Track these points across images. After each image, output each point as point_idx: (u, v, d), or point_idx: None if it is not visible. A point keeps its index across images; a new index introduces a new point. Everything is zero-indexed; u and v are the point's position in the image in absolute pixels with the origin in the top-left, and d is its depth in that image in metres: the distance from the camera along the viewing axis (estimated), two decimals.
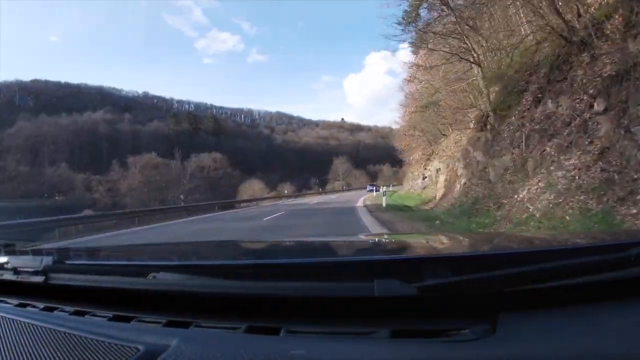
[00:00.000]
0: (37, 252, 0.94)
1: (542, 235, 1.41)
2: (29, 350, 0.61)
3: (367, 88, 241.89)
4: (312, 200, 30.28)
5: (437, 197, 13.69)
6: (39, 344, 0.62)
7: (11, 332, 0.68)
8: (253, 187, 52.21)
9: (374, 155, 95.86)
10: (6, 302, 0.82)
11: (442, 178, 14.15)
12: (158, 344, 0.55)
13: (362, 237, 2.42)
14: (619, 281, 0.51)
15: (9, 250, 0.97)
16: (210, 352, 0.52)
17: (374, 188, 30.66)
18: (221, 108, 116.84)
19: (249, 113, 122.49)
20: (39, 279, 0.78)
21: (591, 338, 0.45)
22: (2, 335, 0.68)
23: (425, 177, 21.76)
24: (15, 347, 0.63)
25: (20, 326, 0.69)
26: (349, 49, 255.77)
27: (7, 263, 0.87)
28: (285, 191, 48.62)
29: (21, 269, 0.83)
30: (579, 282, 0.51)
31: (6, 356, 0.62)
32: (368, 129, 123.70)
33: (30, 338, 0.64)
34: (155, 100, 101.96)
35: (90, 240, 8.99)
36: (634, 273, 0.50)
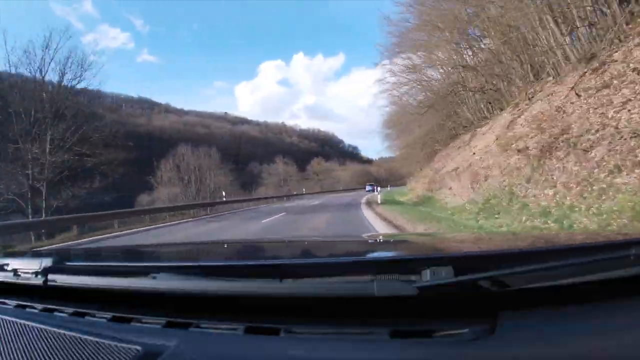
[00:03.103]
0: (36, 254, 0.94)
1: (542, 235, 1.41)
2: (28, 352, 0.61)
3: (260, 95, 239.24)
4: None
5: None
6: (38, 345, 0.62)
7: (11, 333, 0.68)
8: None
9: (263, 152, 73.55)
10: (6, 304, 0.82)
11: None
12: (157, 345, 0.55)
13: (362, 237, 2.42)
14: (618, 280, 0.51)
15: (9, 252, 0.97)
16: (209, 353, 0.52)
17: (373, 188, 29.24)
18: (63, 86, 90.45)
19: (97, 95, 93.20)
20: (38, 280, 0.78)
21: (591, 338, 0.45)
22: (1, 336, 0.67)
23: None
24: (14, 349, 0.63)
25: (19, 327, 0.69)
26: (242, 56, 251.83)
27: (6, 265, 0.87)
28: None
29: (21, 271, 0.83)
30: (579, 282, 0.51)
31: (6, 357, 0.62)
32: (256, 123, 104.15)
33: (30, 339, 0.64)
34: None
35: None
36: (634, 272, 0.50)
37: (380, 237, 2.27)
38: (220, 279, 0.66)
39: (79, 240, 8.84)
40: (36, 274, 0.79)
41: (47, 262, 0.80)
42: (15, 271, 0.84)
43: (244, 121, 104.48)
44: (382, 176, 71.33)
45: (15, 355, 0.61)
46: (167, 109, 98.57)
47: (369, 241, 1.40)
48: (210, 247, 1.55)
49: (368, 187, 41.94)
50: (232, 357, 0.51)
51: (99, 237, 9.47)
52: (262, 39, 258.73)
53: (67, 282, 0.77)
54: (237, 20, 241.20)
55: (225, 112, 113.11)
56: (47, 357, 0.58)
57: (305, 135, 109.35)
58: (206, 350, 0.53)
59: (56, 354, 0.58)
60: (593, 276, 0.51)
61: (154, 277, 0.68)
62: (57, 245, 8.26)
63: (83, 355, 0.57)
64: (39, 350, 0.61)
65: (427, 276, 0.52)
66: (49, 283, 0.77)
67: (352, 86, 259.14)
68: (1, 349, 0.64)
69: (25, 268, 0.83)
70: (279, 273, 0.61)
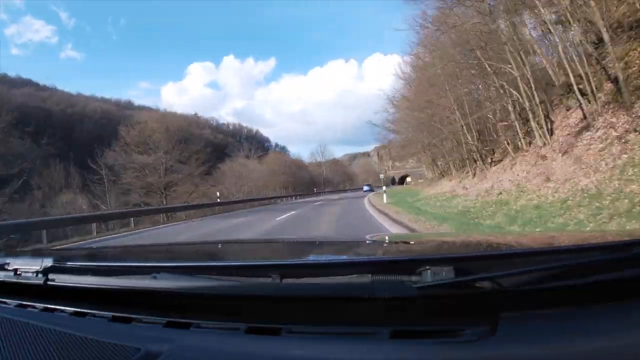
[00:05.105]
0: (37, 253, 0.94)
1: (543, 235, 1.41)
2: (28, 352, 0.61)
3: (187, 97, 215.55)
4: None
5: None
6: (39, 345, 0.62)
7: (11, 333, 0.68)
8: None
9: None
10: (6, 303, 0.82)
11: None
12: (158, 345, 0.55)
13: (363, 237, 2.42)
14: (620, 281, 0.51)
15: (10, 251, 0.97)
16: (210, 353, 0.52)
17: (370, 188, 27.91)
18: None
19: None
20: (39, 280, 0.78)
21: (592, 338, 0.45)
22: (2, 336, 0.67)
23: None
24: (15, 348, 0.63)
25: (20, 327, 0.69)
26: (171, 55, 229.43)
27: (7, 264, 0.87)
28: None
29: (21, 270, 0.83)
30: (580, 282, 0.51)
31: (6, 357, 0.62)
32: (162, 113, 78.86)
33: (30, 339, 0.64)
34: None
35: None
36: (634, 273, 0.50)
37: (381, 237, 2.27)
38: (220, 278, 0.66)
39: None
40: (37, 273, 0.79)
41: (47, 261, 0.80)
42: (15, 271, 0.84)
43: (143, 108, 77.90)
44: (328, 177, 65.69)
45: (15, 354, 0.61)
46: (60, 96, 79.18)
47: (369, 242, 1.40)
48: (211, 247, 1.55)
49: (365, 188, 41.94)
50: (232, 357, 0.51)
51: None
52: (192, 39, 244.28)
53: (68, 282, 0.77)
54: (167, 18, 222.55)
55: (129, 100, 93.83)
56: (47, 357, 0.58)
57: (222, 130, 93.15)
58: (207, 350, 0.53)
59: (56, 354, 0.58)
60: (593, 277, 0.51)
61: (155, 277, 0.68)
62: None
63: (83, 355, 0.57)
64: (39, 350, 0.61)
65: (427, 277, 0.52)
66: (49, 283, 0.77)
67: (282, 92, 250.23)
68: (2, 348, 0.64)
69: (26, 268, 0.82)
70: (280, 273, 0.61)
